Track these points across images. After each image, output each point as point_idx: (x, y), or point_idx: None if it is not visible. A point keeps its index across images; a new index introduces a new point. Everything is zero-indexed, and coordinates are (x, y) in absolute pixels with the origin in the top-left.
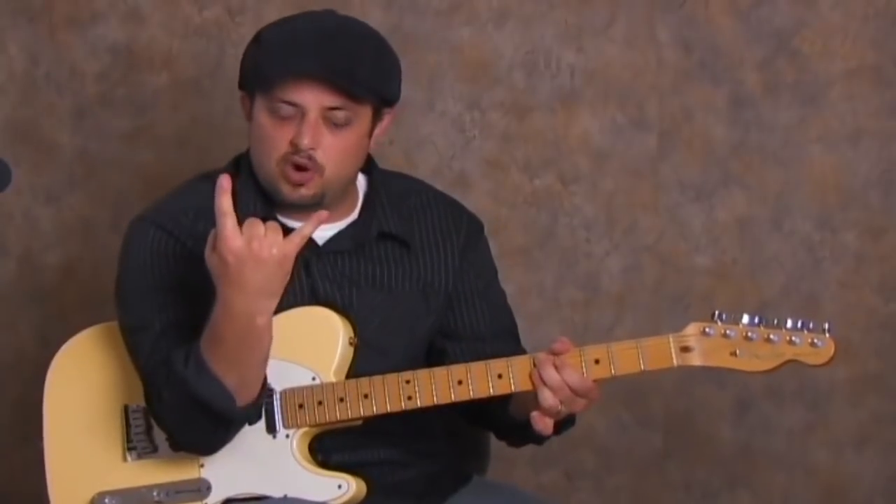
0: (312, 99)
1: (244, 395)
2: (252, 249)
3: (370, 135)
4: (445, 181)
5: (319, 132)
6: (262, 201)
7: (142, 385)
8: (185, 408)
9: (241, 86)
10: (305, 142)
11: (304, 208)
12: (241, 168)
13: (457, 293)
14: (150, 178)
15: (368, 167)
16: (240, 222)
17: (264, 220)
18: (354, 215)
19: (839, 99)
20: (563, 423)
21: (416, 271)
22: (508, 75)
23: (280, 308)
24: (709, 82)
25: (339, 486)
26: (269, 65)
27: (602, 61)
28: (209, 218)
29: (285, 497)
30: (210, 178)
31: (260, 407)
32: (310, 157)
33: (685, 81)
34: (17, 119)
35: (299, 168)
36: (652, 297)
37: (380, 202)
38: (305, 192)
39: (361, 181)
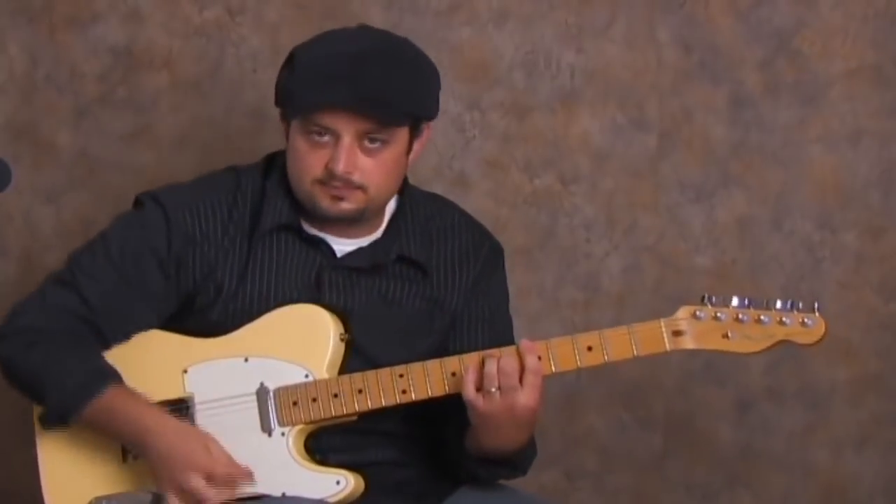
0: (346, 125)
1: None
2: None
3: (408, 152)
4: (445, 181)
5: (354, 156)
6: (288, 208)
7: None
8: (38, 365)
9: (277, 101)
10: (340, 167)
11: (340, 222)
12: (273, 169)
13: (462, 316)
14: (150, 179)
15: (401, 186)
16: (266, 224)
17: (288, 226)
18: (378, 234)
19: (839, 99)
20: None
21: (427, 291)
22: (508, 75)
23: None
24: (709, 82)
25: (338, 482)
26: (302, 93)
27: (602, 61)
28: (219, 213)
29: (283, 495)
30: (237, 171)
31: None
32: (347, 182)
33: (685, 81)
34: (17, 119)
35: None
36: (652, 297)
37: (405, 224)
38: (347, 206)
39: (391, 200)
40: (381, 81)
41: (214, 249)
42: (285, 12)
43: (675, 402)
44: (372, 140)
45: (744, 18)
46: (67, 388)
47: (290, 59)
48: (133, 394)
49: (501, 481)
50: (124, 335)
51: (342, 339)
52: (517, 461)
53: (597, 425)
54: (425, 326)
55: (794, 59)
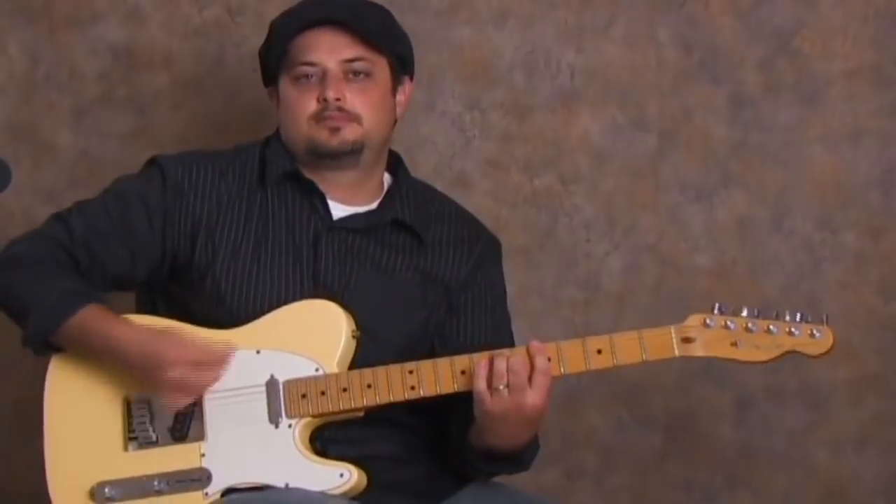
0: (328, 54)
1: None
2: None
3: (393, 93)
4: (445, 181)
5: (342, 85)
6: (289, 160)
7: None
8: (19, 289)
9: (265, 80)
10: (331, 93)
11: (341, 159)
12: (272, 140)
13: (464, 302)
14: None
15: (395, 167)
16: (270, 178)
17: (291, 174)
18: (374, 205)
19: (839, 99)
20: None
21: (421, 262)
22: (508, 75)
23: (282, 288)
24: (709, 82)
25: (341, 475)
26: (280, 31)
27: (602, 61)
28: (210, 172)
29: (287, 486)
30: (237, 146)
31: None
32: (339, 109)
33: (685, 81)
34: (17, 119)
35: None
36: (652, 297)
37: (401, 197)
38: (346, 135)
39: (387, 177)
40: (355, 7)
41: (201, 203)
42: None
43: (675, 402)
44: (356, 73)
45: (744, 18)
46: (44, 309)
47: (269, 31)
48: (106, 312)
49: (502, 481)
50: (100, 271)
51: (354, 337)
52: (521, 457)
53: (597, 425)
54: (418, 298)
55: (794, 59)
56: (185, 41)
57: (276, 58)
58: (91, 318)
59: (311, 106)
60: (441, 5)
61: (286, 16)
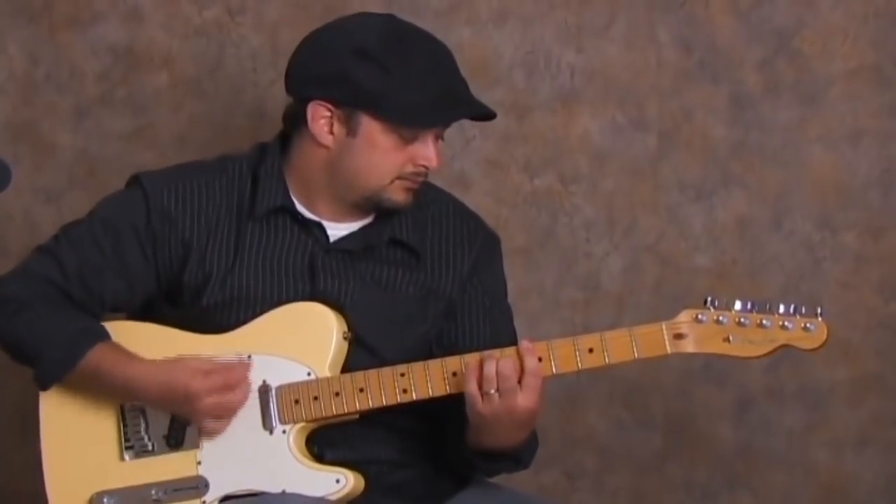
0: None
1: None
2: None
3: None
4: (445, 181)
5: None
6: (283, 192)
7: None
8: (23, 333)
9: (344, 103)
10: (438, 164)
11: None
12: (266, 156)
13: (462, 306)
14: None
15: None
16: (261, 208)
17: (283, 209)
18: (370, 218)
19: (839, 99)
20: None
21: (422, 278)
22: (508, 75)
23: (276, 303)
24: (709, 82)
25: (338, 481)
26: (425, 112)
27: (602, 61)
28: (198, 194)
29: (283, 493)
30: (228, 159)
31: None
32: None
33: (685, 81)
34: (17, 119)
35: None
36: (652, 297)
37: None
38: (414, 196)
39: None
40: (468, 86)
41: (191, 228)
42: (285, 12)
43: (674, 402)
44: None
45: (744, 18)
46: (53, 355)
47: (383, 65)
48: (117, 350)
49: (502, 482)
50: (99, 304)
51: (345, 338)
52: (520, 455)
53: (597, 425)
54: (419, 313)
55: (794, 59)
56: (185, 41)
57: (401, 115)
58: (104, 358)
59: (407, 166)
60: (441, 5)
61: (425, 88)
